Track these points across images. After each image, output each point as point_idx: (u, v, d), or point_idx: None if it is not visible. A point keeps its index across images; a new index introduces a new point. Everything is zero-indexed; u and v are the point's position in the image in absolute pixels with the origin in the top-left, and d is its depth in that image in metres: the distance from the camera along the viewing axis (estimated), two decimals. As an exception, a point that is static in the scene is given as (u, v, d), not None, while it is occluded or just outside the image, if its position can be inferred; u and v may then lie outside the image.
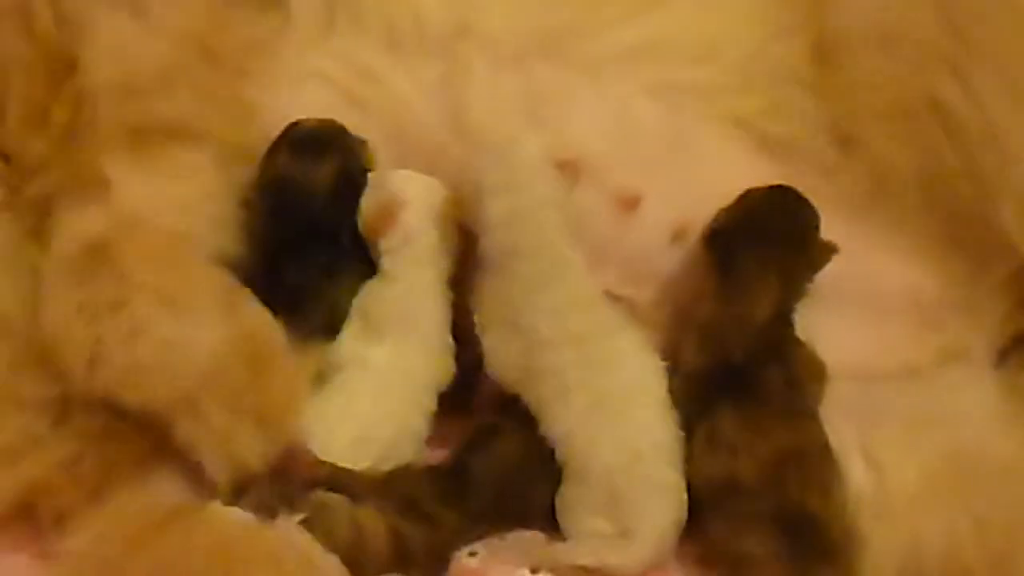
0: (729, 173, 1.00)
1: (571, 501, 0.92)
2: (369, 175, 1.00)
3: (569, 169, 0.96)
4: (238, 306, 0.91)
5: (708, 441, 0.92)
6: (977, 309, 1.04)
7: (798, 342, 0.96)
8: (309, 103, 1.01)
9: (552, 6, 1.03)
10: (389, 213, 0.97)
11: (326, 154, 0.98)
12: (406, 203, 0.97)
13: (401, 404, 0.96)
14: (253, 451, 0.88)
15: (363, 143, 1.00)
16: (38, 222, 0.93)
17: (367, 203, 0.99)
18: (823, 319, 0.99)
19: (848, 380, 0.99)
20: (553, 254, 0.94)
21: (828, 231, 0.98)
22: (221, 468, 0.88)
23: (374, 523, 0.88)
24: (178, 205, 0.91)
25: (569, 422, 0.92)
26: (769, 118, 1.01)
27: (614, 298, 0.97)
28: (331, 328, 0.97)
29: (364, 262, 0.99)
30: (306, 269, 0.97)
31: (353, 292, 0.98)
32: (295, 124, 0.99)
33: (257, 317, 0.92)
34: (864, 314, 1.02)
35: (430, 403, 0.97)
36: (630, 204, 0.98)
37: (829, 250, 0.97)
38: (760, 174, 1.00)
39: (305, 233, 0.98)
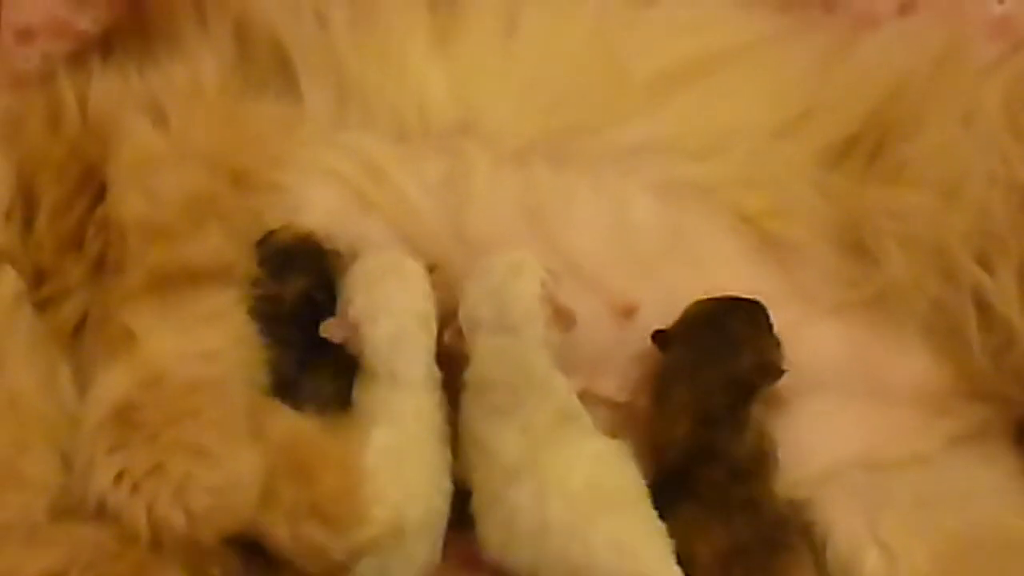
0: (728, 276, 0.99)
1: None
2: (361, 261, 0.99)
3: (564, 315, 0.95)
4: (265, 424, 0.91)
5: None
6: (991, 395, 1.02)
7: (739, 435, 0.94)
8: (317, 203, 1.01)
9: (556, 104, 1.01)
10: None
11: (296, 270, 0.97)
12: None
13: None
14: (329, 547, 0.89)
15: (337, 255, 0.99)
16: (66, 329, 0.94)
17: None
18: (829, 409, 1.00)
19: (857, 468, 0.99)
20: (532, 385, 0.93)
21: (829, 323, 0.99)
22: (308, 567, 0.90)
23: None
24: (204, 355, 0.91)
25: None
26: (773, 217, 1.00)
27: (614, 405, 0.98)
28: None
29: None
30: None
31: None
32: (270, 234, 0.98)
33: (284, 423, 0.92)
34: (871, 404, 1.01)
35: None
36: (628, 311, 0.97)
37: (773, 373, 0.95)
38: (759, 275, 1.00)
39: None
